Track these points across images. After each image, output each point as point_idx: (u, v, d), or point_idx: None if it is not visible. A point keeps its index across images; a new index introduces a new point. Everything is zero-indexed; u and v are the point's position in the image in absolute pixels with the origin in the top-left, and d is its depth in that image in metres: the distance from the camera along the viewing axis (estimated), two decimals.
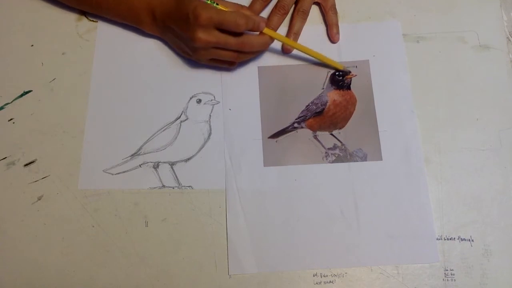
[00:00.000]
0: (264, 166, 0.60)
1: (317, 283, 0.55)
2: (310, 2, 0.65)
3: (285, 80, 0.63)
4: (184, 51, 0.62)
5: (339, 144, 0.60)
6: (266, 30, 0.59)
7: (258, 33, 0.59)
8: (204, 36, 0.56)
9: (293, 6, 0.66)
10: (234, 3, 0.61)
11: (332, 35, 0.65)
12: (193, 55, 0.60)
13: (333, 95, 0.62)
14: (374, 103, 0.62)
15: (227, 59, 0.60)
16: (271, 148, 0.60)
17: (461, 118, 0.61)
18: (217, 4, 0.57)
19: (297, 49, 0.62)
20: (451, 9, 0.66)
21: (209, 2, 0.56)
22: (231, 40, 0.57)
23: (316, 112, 0.62)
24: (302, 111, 0.62)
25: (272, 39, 0.60)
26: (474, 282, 0.55)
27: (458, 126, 0.61)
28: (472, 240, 0.57)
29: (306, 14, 0.65)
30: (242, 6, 0.61)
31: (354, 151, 0.60)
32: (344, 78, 0.63)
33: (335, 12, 0.65)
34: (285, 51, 0.64)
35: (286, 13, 0.65)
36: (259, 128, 0.61)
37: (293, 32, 0.64)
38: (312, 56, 0.62)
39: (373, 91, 0.62)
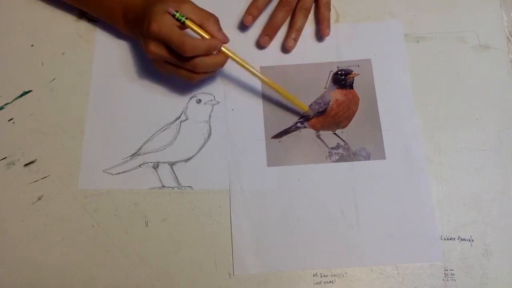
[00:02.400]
0: (268, 166, 0.59)
1: (317, 283, 0.55)
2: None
3: (287, 80, 0.63)
4: None
5: (342, 143, 0.60)
6: (223, 49, 0.55)
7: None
8: (154, 49, 0.54)
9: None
10: (202, 11, 0.55)
11: (322, 29, 0.64)
12: (153, 65, 0.59)
13: (336, 95, 0.62)
14: (376, 102, 0.62)
15: (181, 78, 0.58)
16: (274, 148, 0.60)
17: (461, 118, 0.61)
18: (186, 18, 0.53)
19: (254, 75, 0.58)
20: (451, 9, 0.66)
21: (178, 14, 0.53)
22: (182, 60, 0.54)
23: (319, 112, 0.62)
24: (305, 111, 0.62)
25: (226, 58, 0.57)
26: (474, 282, 0.55)
27: (458, 126, 0.61)
28: (472, 240, 0.57)
29: (308, 11, 0.64)
30: (209, 16, 0.55)
31: (357, 150, 0.60)
32: (347, 77, 0.63)
33: (328, 9, 0.64)
34: (285, 49, 0.64)
35: (291, 10, 0.64)
36: (262, 128, 0.61)
37: (296, 29, 0.64)
38: (276, 91, 0.59)
39: (375, 90, 0.62)
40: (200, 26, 0.55)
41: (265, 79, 0.58)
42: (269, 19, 0.64)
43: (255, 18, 0.64)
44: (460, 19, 0.66)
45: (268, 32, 0.64)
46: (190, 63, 0.55)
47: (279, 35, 0.65)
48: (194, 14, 0.54)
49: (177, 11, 0.53)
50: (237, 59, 0.57)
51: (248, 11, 0.64)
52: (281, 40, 0.65)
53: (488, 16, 0.66)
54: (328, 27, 0.64)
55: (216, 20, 0.56)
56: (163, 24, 0.53)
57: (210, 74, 0.59)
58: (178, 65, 0.56)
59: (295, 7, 0.65)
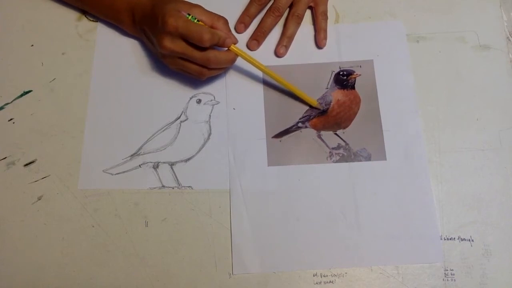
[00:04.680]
0: (268, 165, 0.59)
1: (317, 283, 0.55)
2: (305, 6, 0.65)
3: (289, 80, 0.62)
4: (157, 55, 0.61)
5: (343, 143, 0.60)
6: (232, 47, 0.58)
7: (225, 49, 0.58)
8: (169, 44, 0.56)
9: (288, 10, 0.66)
10: (212, 14, 0.57)
11: (319, 40, 0.64)
12: (163, 60, 0.60)
13: (337, 95, 0.62)
14: (378, 103, 0.62)
15: (192, 73, 0.59)
16: (275, 148, 0.60)
17: (461, 118, 0.61)
18: (198, 20, 0.56)
19: (265, 73, 0.61)
20: (451, 9, 0.67)
21: (190, 17, 0.55)
22: (196, 54, 0.56)
23: (320, 112, 0.62)
24: (306, 111, 0.62)
25: (237, 56, 0.59)
26: (474, 282, 0.55)
27: (458, 126, 0.61)
28: (472, 240, 0.57)
29: (300, 18, 0.65)
30: (219, 18, 0.58)
31: (358, 150, 0.60)
32: (348, 78, 0.63)
33: (325, 18, 0.65)
34: (277, 56, 0.64)
35: (280, 16, 0.65)
36: (263, 128, 0.61)
37: (287, 36, 0.64)
38: (285, 86, 0.61)
39: (377, 91, 0.62)
40: (211, 27, 0.57)
41: (275, 75, 0.60)
42: (258, 24, 0.65)
43: (247, 26, 0.66)
44: (460, 19, 0.66)
45: (257, 37, 0.64)
46: (203, 57, 0.56)
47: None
48: (205, 17, 0.57)
49: (189, 14, 0.55)
50: (247, 57, 0.59)
51: (240, 20, 0.65)
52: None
53: (488, 16, 0.66)
54: (325, 37, 0.64)
55: (226, 22, 0.58)
56: (179, 18, 0.55)
57: (220, 70, 0.61)
58: (190, 59, 0.57)
59: (288, 14, 0.65)
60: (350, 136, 0.61)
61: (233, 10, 0.66)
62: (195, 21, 0.56)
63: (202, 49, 0.56)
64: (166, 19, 0.55)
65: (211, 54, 0.57)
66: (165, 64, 0.61)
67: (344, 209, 0.58)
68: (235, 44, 0.58)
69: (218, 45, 0.57)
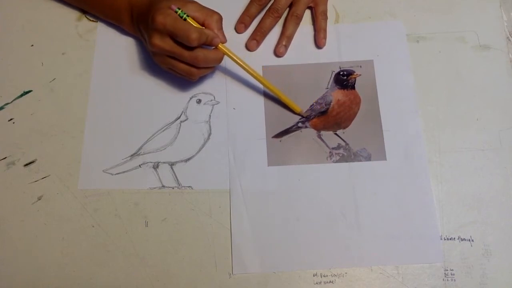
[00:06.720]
0: (268, 165, 0.60)
1: (317, 283, 0.55)
2: (304, 6, 0.65)
3: (289, 80, 0.63)
4: (150, 54, 0.61)
5: (343, 143, 0.60)
6: (220, 46, 0.57)
7: (213, 48, 0.58)
8: (158, 41, 0.55)
9: (287, 10, 0.66)
10: (206, 10, 0.57)
11: (318, 40, 0.64)
12: (154, 59, 0.60)
13: (337, 95, 0.62)
14: (378, 103, 0.62)
15: (181, 73, 0.59)
16: (275, 148, 0.60)
17: (461, 118, 0.61)
18: (187, 16, 0.55)
19: (250, 74, 0.60)
20: (451, 9, 0.67)
21: (180, 11, 0.55)
22: (184, 53, 0.56)
23: (320, 112, 0.62)
24: (306, 111, 0.62)
25: (223, 55, 0.58)
26: (474, 282, 0.55)
27: (458, 126, 0.61)
28: (472, 240, 0.57)
29: (299, 18, 0.65)
30: (213, 14, 0.57)
31: (358, 150, 0.60)
32: (349, 78, 0.63)
33: (325, 18, 0.65)
34: (276, 55, 0.64)
35: (279, 16, 0.65)
36: (263, 128, 0.61)
37: (286, 36, 0.64)
38: (271, 91, 0.61)
39: (377, 91, 0.62)
40: (203, 24, 0.56)
41: (258, 76, 0.60)
42: (258, 24, 0.65)
43: (247, 26, 0.66)
44: (460, 19, 0.66)
45: (256, 37, 0.64)
46: (192, 55, 0.56)
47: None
48: (198, 13, 0.56)
49: (179, 8, 0.55)
50: (234, 57, 0.59)
51: (240, 20, 0.66)
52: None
53: (488, 16, 0.66)
54: (324, 37, 0.65)
55: (219, 19, 0.57)
56: (168, 16, 0.54)
57: (209, 70, 0.60)
58: (179, 58, 0.57)
59: (287, 14, 0.65)
60: (350, 136, 0.61)
61: (233, 10, 0.66)
62: (185, 16, 0.55)
63: (191, 48, 0.56)
64: (156, 16, 0.54)
65: (200, 53, 0.56)
66: (156, 63, 0.60)
67: (344, 209, 0.58)
68: (223, 43, 0.58)
69: (206, 44, 0.56)
